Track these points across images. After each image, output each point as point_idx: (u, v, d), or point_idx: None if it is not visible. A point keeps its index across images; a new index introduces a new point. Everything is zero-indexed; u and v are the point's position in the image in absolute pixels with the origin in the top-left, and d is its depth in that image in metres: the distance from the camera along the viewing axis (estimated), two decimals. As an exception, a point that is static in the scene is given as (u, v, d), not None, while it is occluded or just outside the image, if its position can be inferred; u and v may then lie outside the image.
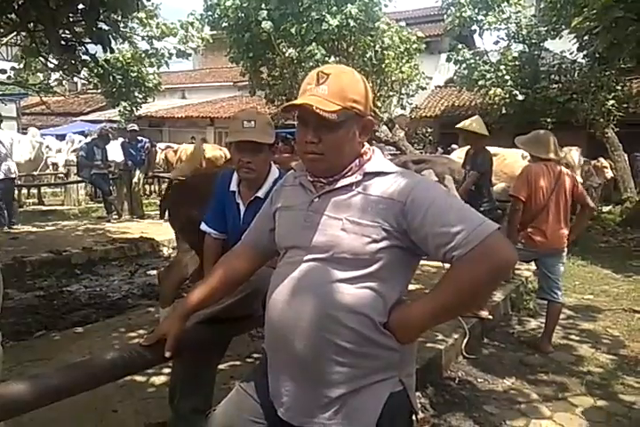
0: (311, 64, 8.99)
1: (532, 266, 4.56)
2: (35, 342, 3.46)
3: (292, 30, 9.34)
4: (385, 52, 10.09)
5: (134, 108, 15.15)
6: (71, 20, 4.38)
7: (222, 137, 18.50)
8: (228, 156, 6.77)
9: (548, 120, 11.05)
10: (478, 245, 1.11)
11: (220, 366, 2.31)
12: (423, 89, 11.94)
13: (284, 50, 9.86)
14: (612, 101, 10.71)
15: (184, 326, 1.41)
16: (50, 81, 10.84)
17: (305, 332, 1.20)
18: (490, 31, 12.09)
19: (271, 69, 10.87)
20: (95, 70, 8.33)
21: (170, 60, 11.73)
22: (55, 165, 11.94)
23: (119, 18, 4.76)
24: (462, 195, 4.08)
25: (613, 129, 11.09)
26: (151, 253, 6.57)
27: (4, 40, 6.57)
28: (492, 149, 5.07)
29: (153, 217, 8.84)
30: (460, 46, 12.19)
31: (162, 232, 6.86)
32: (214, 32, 11.70)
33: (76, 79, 13.40)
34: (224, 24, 10.15)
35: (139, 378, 2.73)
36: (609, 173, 10.01)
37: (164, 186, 12.31)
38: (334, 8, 9.22)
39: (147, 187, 12.04)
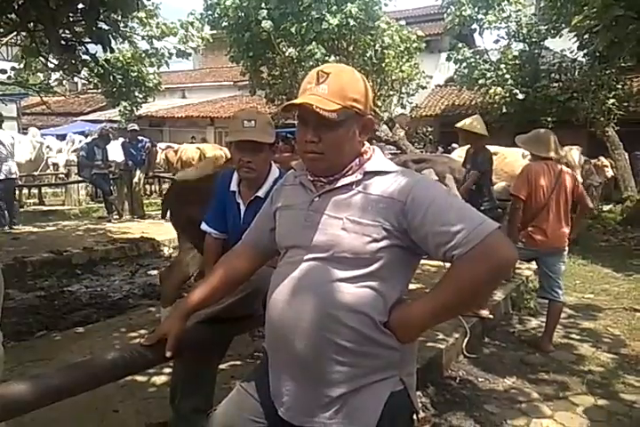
0: (311, 63, 8.99)
1: (533, 265, 4.57)
2: (36, 342, 3.46)
3: (292, 29, 9.33)
4: (385, 51, 10.08)
5: (134, 108, 15.15)
6: (71, 19, 4.38)
7: (222, 137, 18.51)
8: (229, 155, 6.77)
9: (549, 119, 11.05)
10: (479, 245, 1.11)
11: (221, 366, 2.31)
12: (423, 88, 11.93)
13: (284, 49, 9.85)
14: (612, 100, 10.70)
15: (185, 325, 1.41)
16: (50, 81, 10.85)
17: (305, 331, 1.20)
18: (490, 30, 12.08)
19: (271, 69, 10.87)
20: (95, 70, 8.32)
21: (170, 59, 11.73)
22: (56, 165, 11.95)
23: (119, 17, 4.77)
24: (463, 194, 4.08)
25: (614, 128, 11.07)
26: (152, 253, 6.57)
27: (5, 40, 6.58)
28: (492, 148, 5.07)
29: (153, 217, 8.85)
30: (460, 45, 12.19)
31: (162, 232, 6.87)
32: (214, 31, 11.70)
33: (76, 79, 13.39)
34: (224, 23, 10.15)
35: (140, 378, 2.73)
36: (609, 172, 10.00)
37: (164, 186, 12.33)
38: (334, 7, 9.22)
39: (147, 187, 12.05)
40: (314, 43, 9.33)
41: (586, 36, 7.04)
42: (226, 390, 1.86)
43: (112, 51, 5.15)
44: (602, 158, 9.96)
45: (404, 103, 11.64)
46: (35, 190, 11.46)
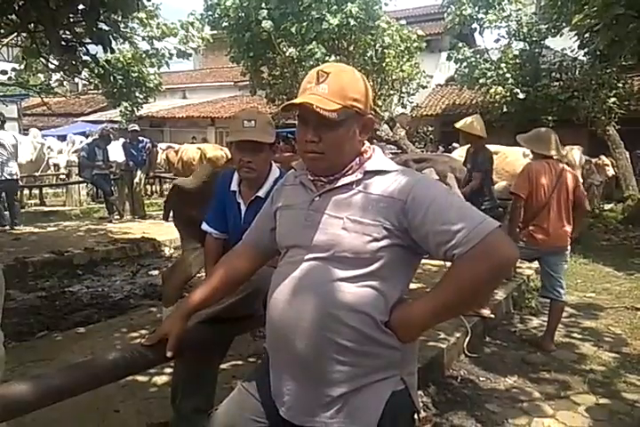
0: (311, 63, 8.99)
1: (534, 264, 4.56)
2: (37, 342, 3.46)
3: (293, 29, 9.33)
4: (385, 50, 10.07)
5: (135, 109, 15.17)
6: (71, 20, 4.38)
7: (223, 137, 18.53)
8: (230, 155, 6.77)
9: (550, 118, 11.05)
10: (479, 244, 1.10)
11: (222, 366, 2.31)
12: (424, 88, 11.91)
13: (284, 49, 9.85)
14: (613, 99, 10.69)
15: (185, 325, 1.41)
16: (51, 82, 10.84)
17: (306, 331, 1.19)
18: (490, 29, 12.08)
19: (272, 69, 10.87)
20: (96, 71, 8.31)
21: (170, 60, 11.71)
22: (56, 165, 11.96)
23: (119, 18, 4.77)
24: (466, 194, 4.08)
25: (615, 127, 11.06)
26: (153, 254, 6.57)
27: (5, 41, 6.58)
28: (493, 148, 5.08)
29: (154, 217, 8.86)
30: (460, 44, 12.19)
31: (163, 232, 6.87)
32: (215, 32, 11.69)
33: (76, 80, 13.43)
34: (224, 24, 10.15)
35: (140, 378, 2.73)
36: (610, 171, 9.98)
37: (165, 186, 12.35)
38: (334, 7, 9.21)
39: (148, 187, 12.06)
40: (314, 42, 9.32)
41: (586, 35, 7.03)
42: (227, 389, 1.87)
43: (112, 51, 5.14)
44: (603, 157, 9.94)
45: (405, 103, 11.63)
46: (36, 191, 11.46)
